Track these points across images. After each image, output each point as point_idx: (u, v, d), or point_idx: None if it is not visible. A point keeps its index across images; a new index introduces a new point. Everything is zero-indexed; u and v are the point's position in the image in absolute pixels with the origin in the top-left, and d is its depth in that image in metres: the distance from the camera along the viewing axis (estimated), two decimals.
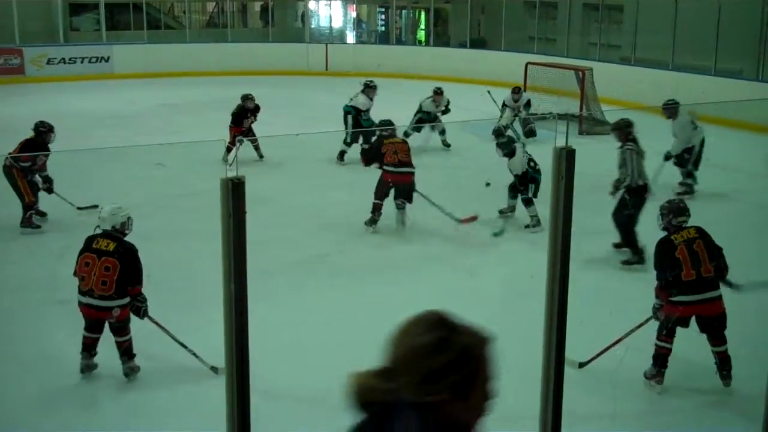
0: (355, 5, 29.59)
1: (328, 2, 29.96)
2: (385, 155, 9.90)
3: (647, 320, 6.44)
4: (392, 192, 10.04)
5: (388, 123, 10.87)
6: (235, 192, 2.55)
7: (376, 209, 10.02)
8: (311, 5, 29.24)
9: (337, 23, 30.71)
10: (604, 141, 14.83)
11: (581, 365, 6.36)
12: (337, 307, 7.70)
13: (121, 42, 24.44)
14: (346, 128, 13.69)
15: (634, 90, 18.73)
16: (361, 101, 13.89)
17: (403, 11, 30.93)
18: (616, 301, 7.85)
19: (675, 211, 6.65)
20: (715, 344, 6.22)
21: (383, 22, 31.69)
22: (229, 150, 11.47)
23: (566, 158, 3.08)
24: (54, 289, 7.88)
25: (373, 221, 10.05)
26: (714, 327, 6.21)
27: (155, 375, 6.51)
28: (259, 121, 13.20)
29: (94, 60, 23.53)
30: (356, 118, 13.78)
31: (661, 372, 6.32)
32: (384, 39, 30.33)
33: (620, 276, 8.77)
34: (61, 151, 10.21)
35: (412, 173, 10.04)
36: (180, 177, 11.86)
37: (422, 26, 31.08)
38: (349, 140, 13.28)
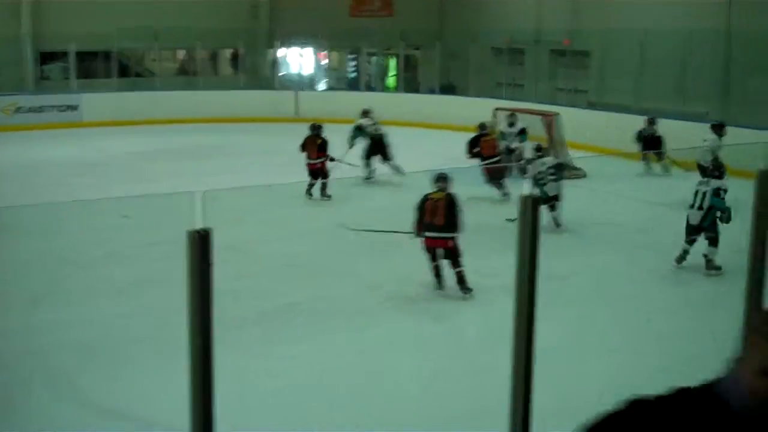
0: (325, 52, 29.80)
1: (299, 49, 30.15)
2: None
3: None
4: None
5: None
6: (201, 244, 2.55)
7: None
8: (281, 52, 29.42)
9: (307, 70, 30.91)
10: (573, 185, 15.03)
11: None
12: (309, 356, 7.65)
13: (90, 90, 24.40)
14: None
15: (601, 135, 18.96)
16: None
17: (373, 58, 31.20)
18: (586, 346, 7.87)
19: None
20: None
21: (354, 69, 31.93)
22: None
23: (531, 206, 3.12)
24: None
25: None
26: None
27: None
28: (230, 169, 13.24)
29: (63, 108, 23.46)
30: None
31: None
32: (354, 85, 30.55)
33: (590, 318, 8.80)
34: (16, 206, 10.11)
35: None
36: (149, 226, 11.81)
37: (392, 73, 31.35)
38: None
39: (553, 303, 3.35)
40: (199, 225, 2.64)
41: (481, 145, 14.79)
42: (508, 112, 17.35)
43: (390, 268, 10.33)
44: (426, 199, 9.61)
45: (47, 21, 25.40)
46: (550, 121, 17.07)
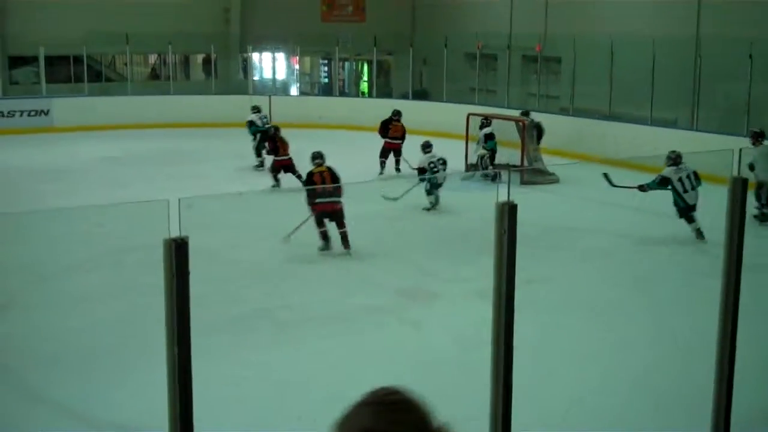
0: (298, 57, 29.78)
1: (271, 54, 30.10)
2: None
3: None
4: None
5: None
6: (178, 253, 2.53)
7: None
8: (254, 57, 29.34)
9: (280, 75, 30.87)
10: (546, 190, 15.14)
11: None
12: (281, 363, 7.62)
13: (61, 95, 24.17)
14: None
15: (573, 140, 19.10)
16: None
17: (346, 63, 31.22)
18: (556, 353, 7.90)
19: None
20: None
21: (326, 74, 31.93)
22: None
23: (508, 213, 3.13)
24: None
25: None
26: None
27: None
28: (201, 174, 13.14)
29: (33, 113, 23.21)
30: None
31: None
32: (327, 90, 30.53)
33: (562, 323, 8.83)
34: None
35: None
36: (122, 233, 11.70)
37: (365, 78, 31.39)
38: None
39: (524, 309, 3.37)
40: (175, 233, 2.62)
41: (390, 128, 17.59)
42: (482, 118, 17.46)
43: (361, 275, 10.32)
44: (312, 174, 11.59)
45: (16, 24, 25.16)
46: (523, 127, 17.15)
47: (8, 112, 22.95)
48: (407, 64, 26.13)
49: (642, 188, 12.05)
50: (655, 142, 17.82)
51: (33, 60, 24.97)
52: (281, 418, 6.48)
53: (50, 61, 25.02)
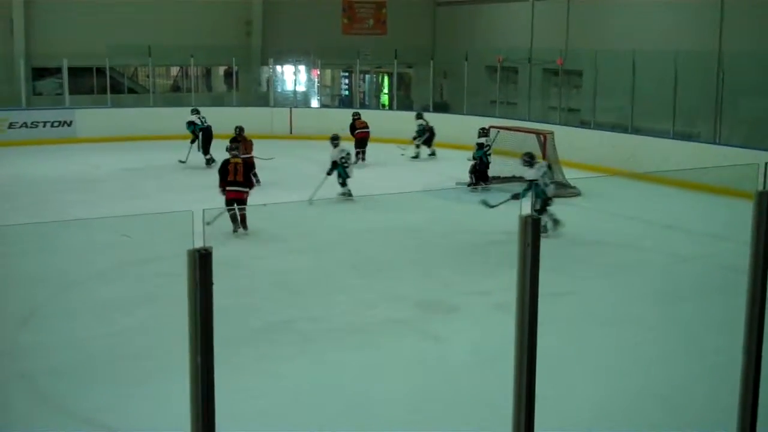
0: (318, 70, 29.89)
1: (292, 66, 30.24)
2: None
3: None
4: None
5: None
6: (202, 263, 2.53)
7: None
8: (275, 70, 29.48)
9: (301, 87, 31.00)
10: (568, 204, 15.06)
11: None
12: (303, 375, 7.61)
13: (84, 106, 24.38)
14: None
15: (594, 153, 19.03)
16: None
17: (367, 75, 31.30)
18: (582, 366, 7.84)
19: None
20: None
21: (347, 87, 32.02)
22: None
23: (531, 227, 3.11)
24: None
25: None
26: None
27: None
28: None
29: (56, 124, 23.42)
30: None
31: None
32: (348, 103, 30.61)
33: (584, 337, 8.79)
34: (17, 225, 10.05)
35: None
36: (145, 243, 11.76)
37: (385, 90, 31.44)
38: None
39: (547, 322, 3.37)
40: (199, 243, 2.63)
41: (356, 125, 20.29)
42: (480, 128, 17.81)
43: (383, 287, 10.31)
44: (227, 162, 13.02)
45: (40, 37, 25.40)
46: (544, 140, 17.11)
47: (32, 123, 23.16)
48: (428, 77, 26.16)
49: (516, 197, 12.21)
50: (677, 156, 17.74)
51: (56, 71, 25.21)
52: (302, 430, 6.46)
53: (73, 72, 25.24)
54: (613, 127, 20.34)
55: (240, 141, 16.52)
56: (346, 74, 31.57)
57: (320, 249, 11.74)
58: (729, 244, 11.43)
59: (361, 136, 20.77)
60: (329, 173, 15.23)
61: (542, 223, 11.75)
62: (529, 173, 12.91)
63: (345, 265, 11.25)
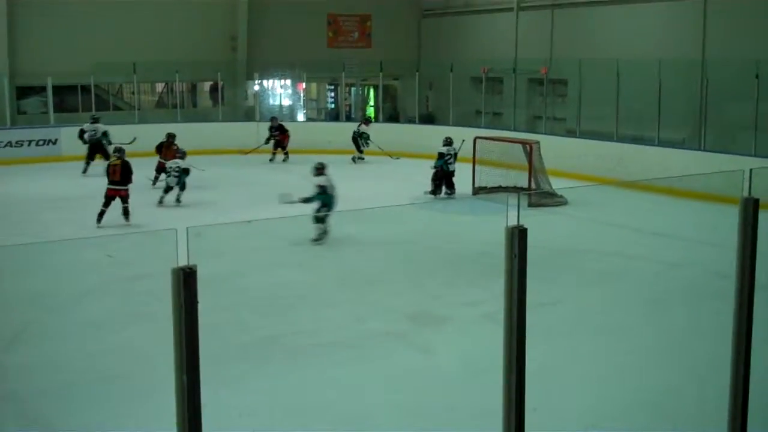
0: (304, 83, 29.90)
1: (278, 80, 30.24)
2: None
3: None
4: None
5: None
6: (186, 282, 2.51)
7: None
8: (260, 84, 29.45)
9: (287, 101, 31.01)
10: (554, 213, 15.12)
11: None
12: (292, 392, 7.56)
13: (69, 124, 24.25)
14: None
15: (580, 162, 19.09)
16: None
17: (353, 88, 31.33)
18: (572, 376, 7.84)
19: None
20: None
21: (333, 100, 32.05)
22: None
23: (518, 237, 3.11)
24: None
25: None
26: None
27: None
28: (209, 201, 13.13)
29: (41, 143, 23.30)
30: None
31: None
32: (334, 116, 30.65)
33: (574, 346, 8.78)
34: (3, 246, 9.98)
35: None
36: (132, 261, 11.70)
37: (371, 103, 31.48)
38: None
39: (535, 332, 3.36)
40: (183, 262, 2.61)
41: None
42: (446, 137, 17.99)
43: (372, 300, 10.28)
44: (109, 165, 15.24)
45: (24, 55, 25.30)
46: (530, 150, 17.16)
47: (17, 142, 23.04)
48: (413, 89, 26.21)
49: (307, 201, 13.13)
50: (663, 162, 17.82)
51: (41, 90, 25.12)
52: None
53: (58, 91, 25.16)
54: (599, 136, 20.40)
55: (164, 147, 18.90)
56: (332, 87, 31.60)
57: (308, 263, 11.71)
58: (717, 250, 11.42)
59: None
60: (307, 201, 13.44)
61: (322, 231, 12.30)
62: (318, 180, 13.38)
63: (333, 279, 11.23)
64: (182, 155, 17.43)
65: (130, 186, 15.00)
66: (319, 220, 12.98)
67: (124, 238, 11.33)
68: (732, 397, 3.85)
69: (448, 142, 17.67)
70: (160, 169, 18.58)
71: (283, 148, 23.07)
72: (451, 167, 17.38)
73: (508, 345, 3.14)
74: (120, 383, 7.44)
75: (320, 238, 12.93)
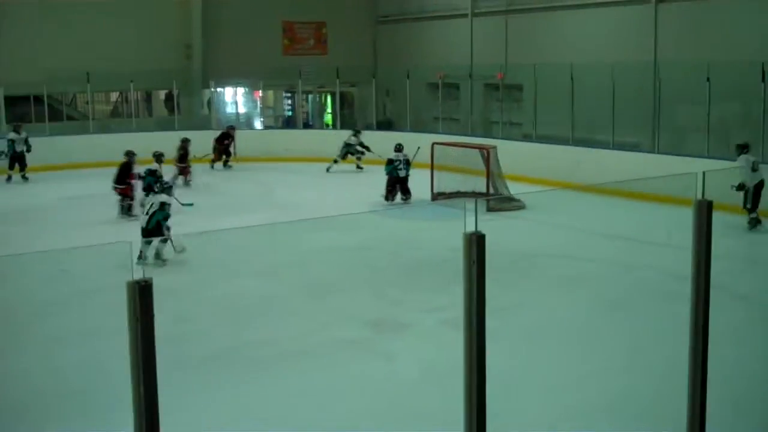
0: (260, 91, 29.76)
1: (234, 88, 30.07)
2: None
3: None
4: None
5: None
6: (142, 295, 2.48)
7: None
8: (217, 92, 29.27)
9: (243, 109, 30.86)
10: (513, 217, 15.21)
11: None
12: (255, 401, 7.50)
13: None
14: None
15: (537, 166, 19.24)
16: None
17: (309, 95, 31.28)
18: (533, 380, 7.88)
19: None
20: None
21: (290, 107, 31.97)
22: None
23: (477, 243, 3.11)
24: None
25: None
26: None
27: None
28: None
29: None
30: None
31: None
32: (291, 123, 30.56)
33: (534, 351, 8.83)
34: None
35: None
36: (88, 275, 11.52)
37: (329, 110, 31.45)
38: None
39: (497, 337, 3.38)
40: (138, 275, 2.57)
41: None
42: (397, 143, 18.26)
43: (334, 308, 10.25)
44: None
45: None
46: (487, 154, 17.24)
47: None
48: (370, 96, 26.25)
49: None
50: (618, 165, 18.03)
51: None
52: None
53: (10, 101, 24.78)
54: (555, 140, 20.59)
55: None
56: (289, 95, 31.52)
57: (267, 272, 11.63)
58: (674, 252, 11.59)
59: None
60: None
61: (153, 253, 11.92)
62: (159, 197, 12.72)
63: (294, 288, 11.17)
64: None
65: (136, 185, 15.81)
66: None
67: (79, 252, 11.14)
68: (690, 398, 3.89)
69: (398, 148, 17.92)
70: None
71: (228, 154, 23.11)
72: (401, 173, 17.55)
73: (468, 351, 3.14)
74: (80, 398, 7.33)
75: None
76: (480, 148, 17.91)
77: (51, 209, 17.55)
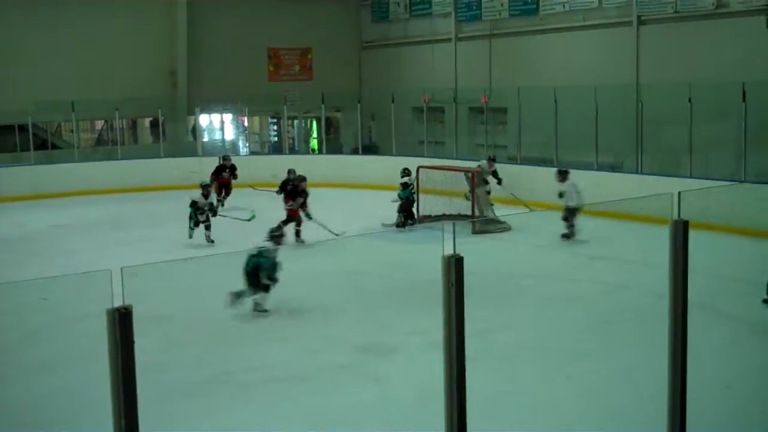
0: (246, 117, 29.84)
1: (220, 115, 30.11)
2: None
3: None
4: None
5: None
6: (122, 322, 2.50)
7: None
8: (202, 119, 29.29)
9: (229, 135, 30.89)
10: (498, 239, 15.26)
11: None
12: (245, 428, 7.48)
13: (6, 164, 23.86)
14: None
15: (523, 188, 19.31)
16: None
17: (295, 121, 31.37)
18: (518, 401, 7.89)
19: None
20: None
21: (276, 133, 32.04)
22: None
23: (455, 266, 3.14)
24: None
25: None
26: None
27: None
28: (152, 238, 12.97)
29: None
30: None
31: None
32: (277, 149, 30.62)
33: (519, 371, 8.84)
34: None
35: None
36: (71, 303, 11.46)
37: (314, 135, 31.55)
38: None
39: (482, 358, 3.38)
40: (118, 302, 2.60)
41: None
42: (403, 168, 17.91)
43: (321, 332, 10.25)
44: None
45: None
46: (472, 177, 17.32)
47: None
48: (356, 120, 26.34)
49: None
50: (601, 186, 18.12)
51: None
52: None
53: None
54: (539, 162, 20.68)
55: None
56: (275, 120, 31.60)
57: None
58: (656, 271, 11.64)
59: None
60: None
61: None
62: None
63: (282, 313, 11.15)
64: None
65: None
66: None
67: (59, 280, 11.09)
68: (670, 416, 3.92)
69: (407, 173, 17.55)
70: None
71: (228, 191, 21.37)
72: (414, 197, 17.39)
73: (449, 372, 3.17)
74: (65, 427, 7.29)
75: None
76: (465, 171, 17.99)
77: (37, 238, 17.48)
